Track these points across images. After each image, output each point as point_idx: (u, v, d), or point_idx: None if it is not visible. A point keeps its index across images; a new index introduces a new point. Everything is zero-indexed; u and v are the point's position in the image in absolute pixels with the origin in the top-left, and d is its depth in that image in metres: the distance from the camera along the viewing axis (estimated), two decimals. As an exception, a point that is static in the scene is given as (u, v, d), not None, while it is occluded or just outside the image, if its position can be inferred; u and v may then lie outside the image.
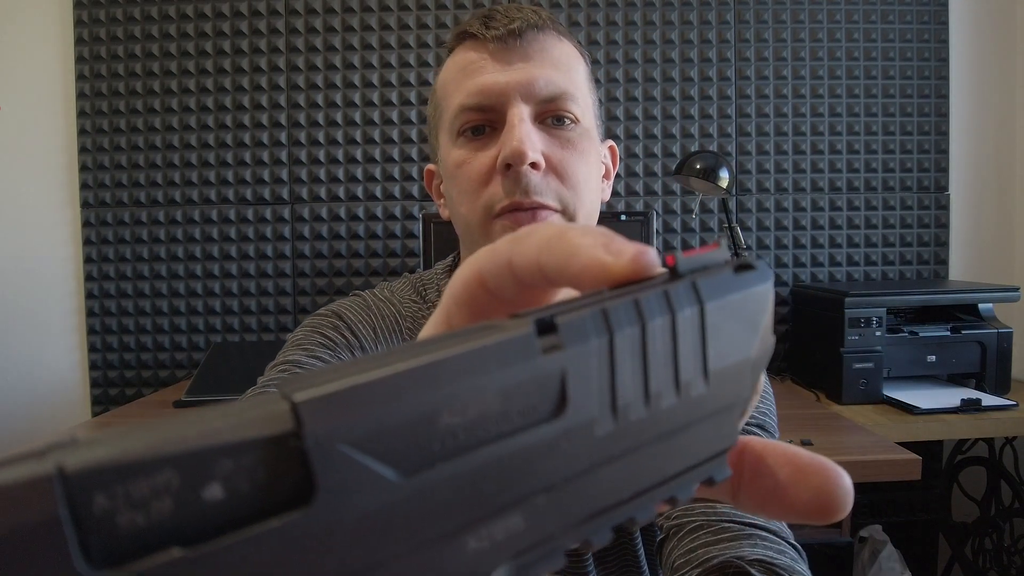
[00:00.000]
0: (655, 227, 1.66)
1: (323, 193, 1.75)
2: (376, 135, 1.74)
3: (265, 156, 1.75)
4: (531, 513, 0.13)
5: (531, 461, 0.13)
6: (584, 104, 0.57)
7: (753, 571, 0.44)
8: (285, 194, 1.75)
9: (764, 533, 0.48)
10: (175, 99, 1.74)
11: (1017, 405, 1.33)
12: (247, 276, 1.76)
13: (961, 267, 1.77)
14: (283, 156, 1.75)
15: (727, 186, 1.42)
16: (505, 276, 0.16)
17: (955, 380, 1.48)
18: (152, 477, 0.10)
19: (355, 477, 0.11)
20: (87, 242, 1.76)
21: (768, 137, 1.74)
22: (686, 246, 1.74)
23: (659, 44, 1.73)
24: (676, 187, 1.73)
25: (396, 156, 1.74)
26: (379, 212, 1.75)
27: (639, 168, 1.74)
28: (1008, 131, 1.76)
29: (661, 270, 0.16)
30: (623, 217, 1.55)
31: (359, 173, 1.74)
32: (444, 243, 1.50)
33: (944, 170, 1.76)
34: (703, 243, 1.76)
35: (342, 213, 1.75)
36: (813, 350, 1.55)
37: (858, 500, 1.55)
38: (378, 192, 1.75)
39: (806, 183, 1.75)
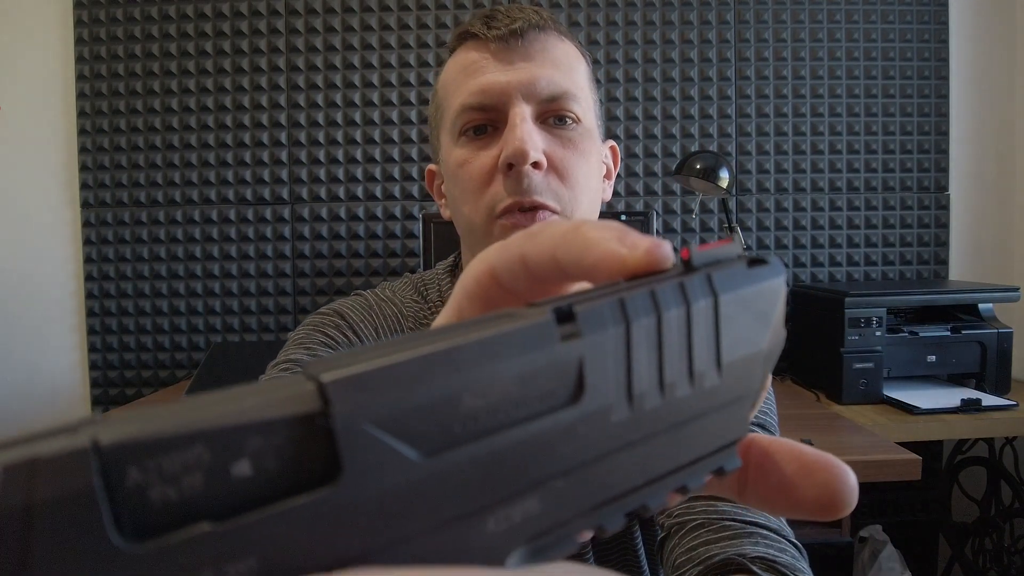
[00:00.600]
0: (655, 227, 1.66)
1: (323, 193, 1.75)
2: (376, 135, 1.74)
3: (265, 156, 1.75)
4: (548, 497, 0.13)
5: (549, 446, 0.13)
6: (585, 104, 0.57)
7: (755, 568, 0.44)
8: (285, 194, 1.75)
9: (765, 531, 0.48)
10: (175, 99, 1.74)
11: (1017, 405, 1.33)
12: (247, 276, 1.76)
13: (961, 267, 1.77)
14: (283, 156, 1.75)
15: (727, 186, 1.42)
16: (518, 271, 0.17)
17: (955, 380, 1.48)
18: (184, 452, 0.10)
19: (379, 457, 0.11)
20: (87, 242, 1.76)
21: (768, 137, 1.74)
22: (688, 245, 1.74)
23: (659, 44, 1.73)
24: (676, 187, 1.74)
25: (396, 156, 1.74)
26: (379, 212, 1.75)
27: (639, 168, 1.74)
28: (1008, 131, 1.76)
29: (675, 263, 0.16)
30: (623, 217, 1.55)
31: (359, 173, 1.74)
32: (444, 243, 1.50)
33: (944, 170, 1.76)
34: (703, 242, 1.76)
35: (342, 213, 1.75)
36: (813, 350, 1.55)
37: (858, 500, 1.54)
38: (378, 192, 1.75)
39: (806, 183, 1.75)
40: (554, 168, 0.54)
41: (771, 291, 0.17)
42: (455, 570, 0.11)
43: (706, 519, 0.49)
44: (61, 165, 1.76)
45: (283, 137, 1.74)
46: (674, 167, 1.52)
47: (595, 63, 1.71)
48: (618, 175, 0.68)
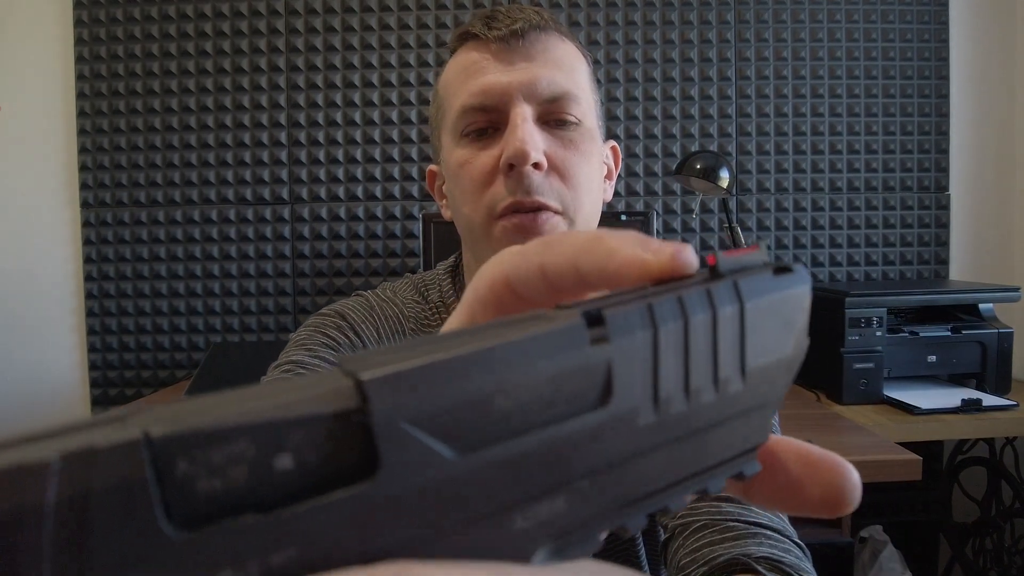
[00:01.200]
0: (655, 227, 1.66)
1: (323, 193, 1.74)
2: (376, 135, 1.74)
3: (265, 156, 1.75)
4: (574, 496, 0.14)
5: (576, 447, 0.13)
6: (586, 105, 0.57)
7: (760, 568, 0.44)
8: (285, 194, 1.75)
9: (769, 532, 0.48)
10: (175, 99, 1.74)
11: (1018, 405, 1.33)
12: (247, 276, 1.76)
13: (961, 267, 1.77)
14: (283, 156, 1.75)
15: (727, 186, 1.42)
16: (535, 279, 0.17)
17: (956, 380, 1.48)
18: (230, 445, 0.10)
19: (416, 454, 0.12)
20: (87, 242, 1.76)
21: (768, 137, 1.74)
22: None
23: (659, 44, 1.73)
24: (676, 187, 1.73)
25: (396, 156, 1.74)
26: (379, 212, 1.75)
27: (639, 168, 1.74)
28: (1008, 131, 1.76)
29: (700, 269, 0.16)
30: (623, 217, 1.55)
31: (359, 173, 1.74)
32: (444, 243, 1.50)
33: (944, 170, 1.75)
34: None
35: (342, 213, 1.75)
36: (813, 350, 1.53)
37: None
38: (378, 192, 1.75)
39: (806, 183, 1.75)
40: (555, 169, 0.54)
41: (796, 299, 0.17)
42: (488, 566, 0.11)
43: (710, 520, 0.49)
44: (61, 165, 1.76)
45: (283, 137, 1.74)
46: (674, 167, 1.52)
47: (595, 63, 1.71)
48: (618, 175, 0.67)
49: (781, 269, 0.17)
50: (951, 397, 1.35)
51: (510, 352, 0.13)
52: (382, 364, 0.12)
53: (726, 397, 0.16)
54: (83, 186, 1.75)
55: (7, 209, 1.77)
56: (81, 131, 1.75)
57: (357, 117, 1.74)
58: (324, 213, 1.74)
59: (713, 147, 1.73)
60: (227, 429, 0.10)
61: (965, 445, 1.64)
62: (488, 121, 0.55)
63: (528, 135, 0.52)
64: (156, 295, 1.76)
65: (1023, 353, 1.54)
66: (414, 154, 1.74)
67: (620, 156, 0.67)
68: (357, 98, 1.74)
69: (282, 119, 1.74)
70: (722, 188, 1.42)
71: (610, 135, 1.71)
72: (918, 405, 1.30)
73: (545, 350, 0.13)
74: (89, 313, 1.77)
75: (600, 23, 1.72)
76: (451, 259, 0.69)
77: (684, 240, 1.75)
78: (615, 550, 0.60)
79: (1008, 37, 1.75)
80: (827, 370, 1.45)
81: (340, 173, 1.74)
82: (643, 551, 0.61)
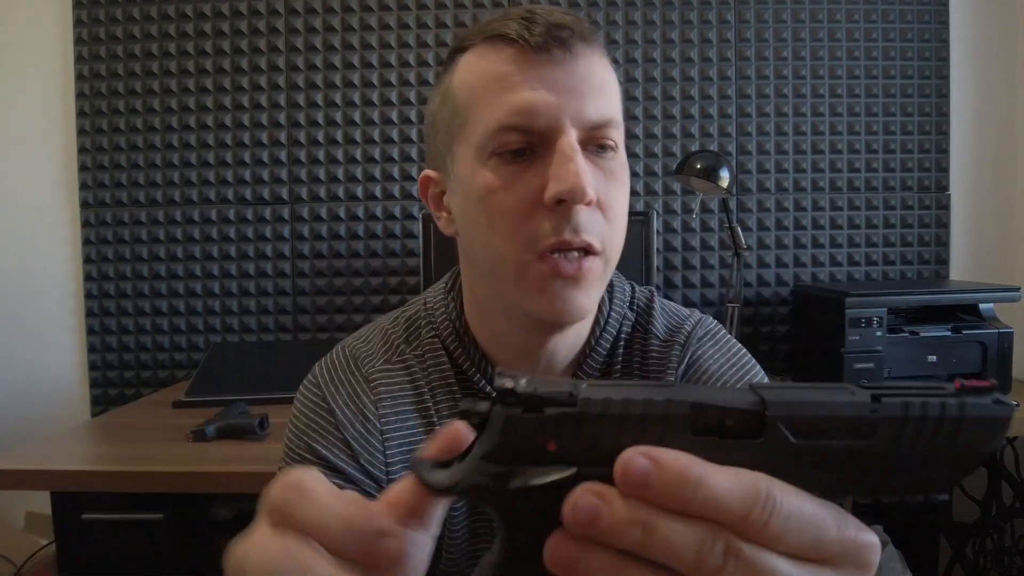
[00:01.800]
0: (655, 227, 1.66)
1: (323, 193, 1.74)
2: (376, 135, 1.74)
3: (265, 156, 1.74)
4: (844, 480, 0.24)
5: (841, 454, 0.24)
6: (622, 128, 0.53)
7: None
8: (285, 194, 1.75)
9: None
10: (175, 99, 1.74)
11: (1018, 405, 1.32)
12: (247, 276, 1.76)
13: (962, 267, 1.77)
14: (283, 156, 1.74)
15: (727, 186, 1.42)
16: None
17: (956, 380, 1.48)
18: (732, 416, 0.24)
19: (777, 434, 0.24)
20: (87, 242, 1.76)
21: (768, 137, 1.74)
22: (686, 246, 1.74)
23: (659, 44, 1.73)
24: (676, 187, 1.73)
25: (396, 156, 1.74)
26: (379, 212, 1.74)
27: (639, 168, 1.74)
28: (1009, 130, 1.76)
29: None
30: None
31: (359, 173, 1.74)
32: (444, 243, 1.49)
33: (945, 170, 1.75)
34: (704, 243, 1.76)
35: (342, 213, 1.75)
36: (813, 350, 1.54)
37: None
38: (378, 192, 1.75)
39: (806, 183, 1.75)
40: (599, 204, 0.50)
41: (991, 425, 0.24)
42: (824, 504, 0.23)
43: None
44: (61, 165, 1.76)
45: (283, 137, 1.74)
46: (674, 167, 1.52)
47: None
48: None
49: (999, 402, 0.24)
50: (951, 397, 1.35)
51: (842, 401, 0.24)
52: (782, 399, 0.24)
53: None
54: (83, 186, 1.75)
55: (7, 209, 1.77)
56: (81, 131, 1.75)
57: (357, 117, 1.74)
58: (324, 213, 1.74)
59: (713, 147, 1.73)
60: (730, 408, 0.24)
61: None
62: (526, 142, 0.50)
63: (583, 170, 0.48)
64: (156, 295, 1.76)
65: (1023, 353, 1.54)
66: (414, 154, 1.74)
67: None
68: (357, 98, 1.74)
69: (282, 119, 1.74)
70: (722, 188, 1.42)
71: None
72: (918, 405, 1.30)
73: (854, 408, 0.24)
74: (89, 313, 1.77)
75: (600, 23, 1.72)
76: (448, 280, 0.65)
77: (684, 240, 1.74)
78: None
79: (1008, 37, 1.75)
80: (827, 370, 1.45)
81: (340, 173, 1.74)
82: None
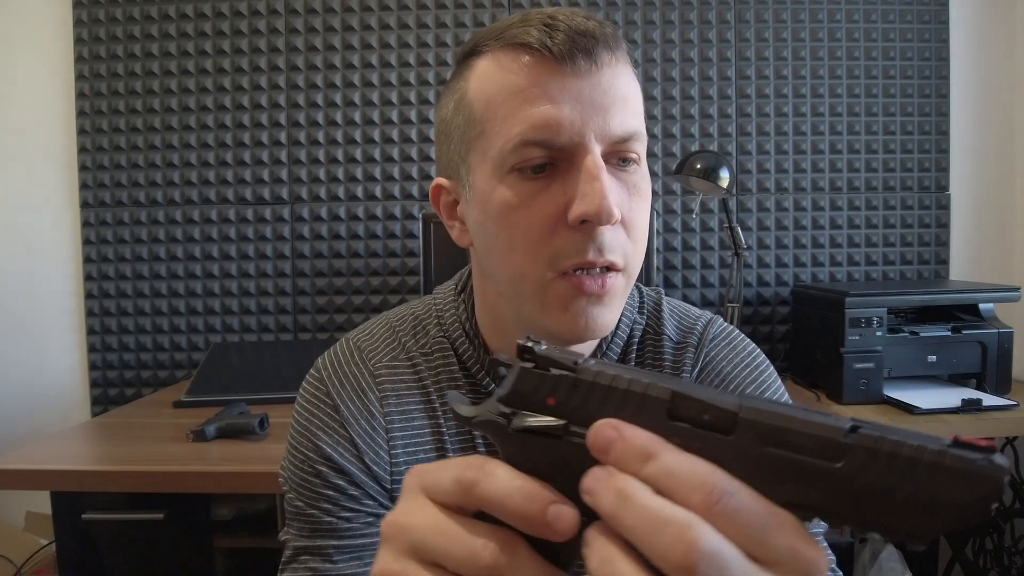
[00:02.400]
0: (655, 227, 1.66)
1: (323, 193, 1.74)
2: (376, 135, 1.74)
3: (265, 156, 1.75)
4: (809, 482, 0.25)
5: (807, 469, 0.25)
6: (645, 139, 0.51)
7: None
8: (285, 194, 1.75)
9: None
10: (175, 99, 1.74)
11: (1018, 405, 1.33)
12: (247, 276, 1.76)
13: (961, 267, 1.77)
14: (283, 156, 1.75)
15: (727, 186, 1.42)
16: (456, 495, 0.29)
17: (956, 380, 1.48)
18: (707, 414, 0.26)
19: (748, 439, 0.25)
20: (87, 242, 1.76)
21: (768, 137, 1.74)
22: (686, 246, 1.74)
23: (659, 44, 1.73)
24: (676, 187, 1.73)
25: (396, 156, 1.74)
26: (379, 212, 1.75)
27: (639, 168, 1.73)
28: (1008, 130, 1.76)
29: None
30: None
31: (359, 173, 1.74)
32: (444, 243, 1.49)
33: (944, 170, 1.75)
34: (704, 243, 1.76)
35: (342, 213, 1.75)
36: (814, 350, 1.54)
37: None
38: (378, 192, 1.75)
39: (806, 183, 1.75)
40: (622, 221, 0.49)
41: (975, 481, 0.23)
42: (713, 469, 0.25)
43: None
44: (61, 165, 1.76)
45: (283, 137, 1.74)
46: (674, 167, 1.52)
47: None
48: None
49: (990, 462, 0.23)
50: (951, 397, 1.35)
51: (817, 422, 0.25)
52: (756, 407, 0.26)
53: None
54: (83, 186, 1.75)
55: (7, 209, 1.77)
56: (81, 131, 1.75)
57: (357, 117, 1.74)
58: (324, 213, 1.74)
59: (713, 147, 1.73)
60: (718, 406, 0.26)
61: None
62: (548, 157, 0.48)
63: (609, 190, 0.46)
64: (156, 295, 1.76)
65: (1023, 353, 1.54)
66: (414, 154, 1.74)
67: None
68: (357, 98, 1.74)
69: (282, 119, 1.74)
70: (722, 188, 1.42)
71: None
72: (918, 405, 1.30)
73: (828, 430, 0.25)
74: (89, 313, 1.77)
75: (600, 23, 1.72)
76: (459, 280, 0.64)
77: (684, 240, 1.75)
78: None
79: (1008, 37, 1.75)
80: (827, 370, 1.45)
81: (340, 173, 1.74)
82: None
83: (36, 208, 1.77)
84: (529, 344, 0.29)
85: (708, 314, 0.66)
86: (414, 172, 1.74)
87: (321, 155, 1.74)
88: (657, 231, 1.71)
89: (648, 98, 1.73)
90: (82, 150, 1.75)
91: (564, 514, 0.27)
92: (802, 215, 1.75)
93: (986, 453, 0.23)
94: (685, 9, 1.72)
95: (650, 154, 1.73)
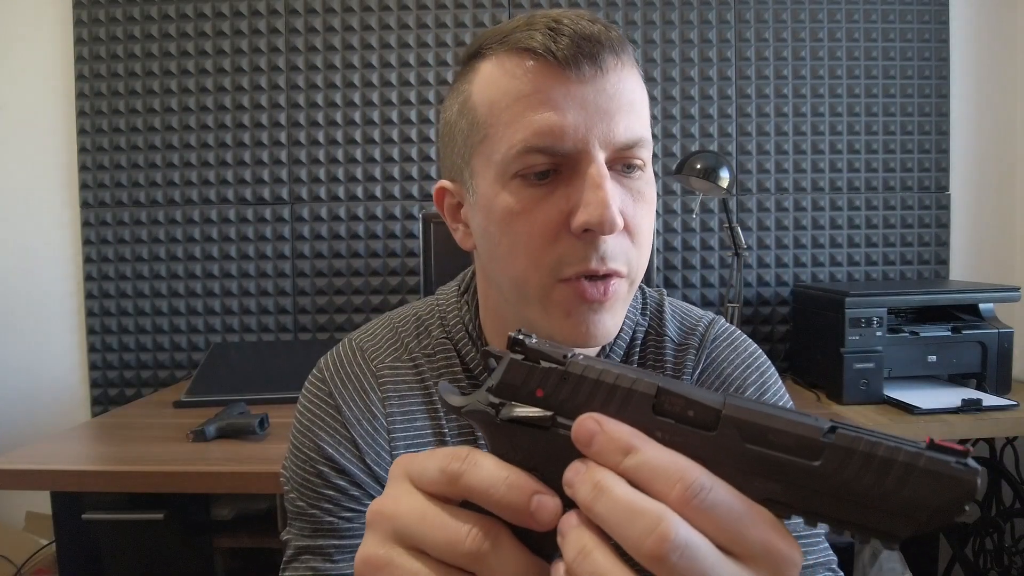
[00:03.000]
0: (655, 227, 1.66)
1: (323, 193, 1.74)
2: (376, 135, 1.74)
3: (265, 156, 1.75)
4: (784, 480, 0.26)
5: (785, 467, 0.26)
6: (651, 145, 0.51)
7: None
8: (285, 194, 1.75)
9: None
10: (175, 99, 1.74)
11: (1018, 405, 1.33)
12: (247, 276, 1.76)
13: (961, 267, 1.77)
14: (283, 156, 1.74)
15: (727, 186, 1.42)
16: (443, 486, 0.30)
17: (956, 380, 1.48)
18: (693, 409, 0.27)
19: (729, 436, 0.26)
20: (87, 242, 1.76)
21: (768, 137, 1.74)
22: (686, 246, 1.74)
23: (659, 44, 1.73)
24: (676, 187, 1.73)
25: (396, 156, 1.74)
26: (379, 212, 1.75)
27: (639, 168, 1.73)
28: (1008, 131, 1.76)
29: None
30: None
31: (359, 173, 1.74)
32: (444, 243, 1.49)
33: (944, 170, 1.75)
34: (704, 243, 1.76)
35: (342, 213, 1.75)
36: (814, 350, 1.54)
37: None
38: (378, 192, 1.75)
39: (806, 183, 1.75)
40: (626, 227, 0.49)
41: (948, 484, 0.23)
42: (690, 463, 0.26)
43: None
44: (61, 165, 1.76)
45: (283, 137, 1.74)
46: (674, 167, 1.52)
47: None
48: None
49: (962, 465, 0.23)
50: (951, 397, 1.35)
51: (794, 421, 0.26)
52: (742, 406, 0.26)
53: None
54: (83, 186, 1.75)
55: (7, 209, 1.77)
56: (81, 131, 1.75)
57: (357, 117, 1.74)
58: (324, 213, 1.74)
59: (713, 147, 1.73)
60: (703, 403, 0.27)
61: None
62: (551, 164, 0.47)
63: (613, 199, 0.46)
64: (156, 295, 1.76)
65: (1023, 353, 1.54)
66: (414, 154, 1.74)
67: None
68: (357, 98, 1.74)
69: (282, 119, 1.74)
70: (722, 188, 1.42)
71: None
72: (918, 405, 1.30)
73: (803, 428, 0.25)
74: (89, 313, 1.77)
75: (600, 23, 1.72)
76: (462, 281, 0.64)
77: (684, 240, 1.75)
78: None
79: (1008, 37, 1.75)
80: (827, 370, 1.45)
81: (340, 173, 1.74)
82: None
83: (36, 208, 1.77)
84: (520, 337, 0.30)
85: (710, 315, 0.66)
86: (414, 172, 1.74)
87: (321, 155, 1.74)
88: (657, 231, 1.71)
89: (648, 98, 1.73)
90: (82, 150, 1.75)
91: (547, 504, 0.27)
92: (802, 215, 1.75)
93: (960, 456, 0.23)
94: (685, 9, 1.72)
95: (650, 154, 1.73)
